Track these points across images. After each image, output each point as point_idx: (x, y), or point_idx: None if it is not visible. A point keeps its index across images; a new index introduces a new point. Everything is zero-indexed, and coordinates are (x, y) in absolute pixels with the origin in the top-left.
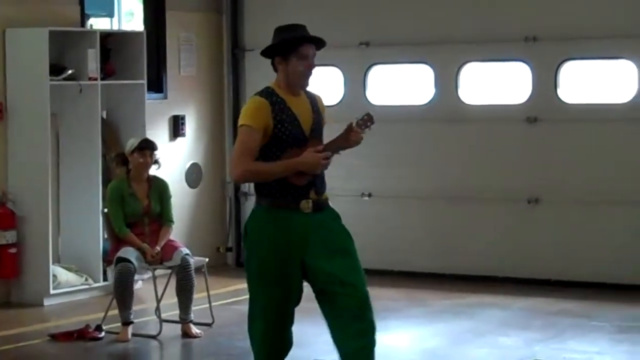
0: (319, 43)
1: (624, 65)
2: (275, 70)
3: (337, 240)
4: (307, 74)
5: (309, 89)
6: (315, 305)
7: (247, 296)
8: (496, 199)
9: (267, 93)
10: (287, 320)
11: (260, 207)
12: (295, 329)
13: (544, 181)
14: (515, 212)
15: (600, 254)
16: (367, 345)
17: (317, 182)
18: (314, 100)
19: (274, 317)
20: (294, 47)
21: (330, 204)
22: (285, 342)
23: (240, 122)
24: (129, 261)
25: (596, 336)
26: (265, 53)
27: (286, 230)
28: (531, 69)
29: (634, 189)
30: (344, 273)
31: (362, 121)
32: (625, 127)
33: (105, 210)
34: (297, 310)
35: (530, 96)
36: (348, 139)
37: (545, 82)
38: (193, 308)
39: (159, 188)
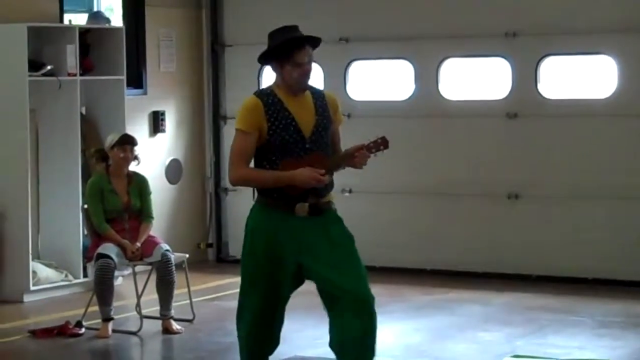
0: (314, 42)
1: (604, 61)
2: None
3: (335, 244)
4: (304, 79)
5: (316, 86)
6: (296, 301)
7: (228, 292)
8: (476, 194)
9: (264, 93)
10: (276, 319)
11: (258, 205)
12: None
13: (524, 176)
14: (496, 208)
15: (580, 249)
16: (367, 335)
17: (318, 187)
18: (319, 99)
19: (262, 314)
20: (288, 53)
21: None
22: (271, 340)
23: (236, 125)
24: (109, 257)
25: (577, 331)
26: (261, 60)
27: (280, 232)
28: (511, 64)
29: (613, 184)
30: (343, 279)
31: (375, 144)
32: (605, 123)
33: (85, 206)
34: None
35: (511, 92)
36: (353, 160)
37: (526, 77)
38: (174, 304)
39: (139, 184)
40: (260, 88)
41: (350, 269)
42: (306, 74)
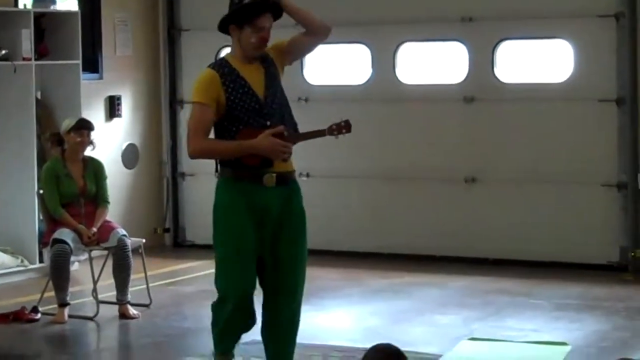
0: (276, 11)
1: (560, 45)
2: (231, 36)
3: (294, 229)
4: (261, 44)
5: None
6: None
7: (185, 277)
8: (433, 178)
9: (218, 64)
10: (250, 283)
11: (224, 180)
12: None
13: (481, 160)
14: (453, 192)
15: (537, 233)
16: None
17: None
18: (269, 64)
19: (236, 275)
20: (250, 17)
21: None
22: (247, 313)
23: (192, 98)
24: (65, 242)
25: (534, 314)
26: (221, 24)
27: (251, 203)
28: (468, 48)
29: (570, 168)
30: (286, 276)
31: (337, 127)
32: (561, 107)
33: (41, 191)
34: None
35: (467, 76)
36: (310, 137)
37: (482, 62)
38: (130, 289)
39: (95, 168)
40: (214, 61)
41: (297, 264)
42: (265, 39)
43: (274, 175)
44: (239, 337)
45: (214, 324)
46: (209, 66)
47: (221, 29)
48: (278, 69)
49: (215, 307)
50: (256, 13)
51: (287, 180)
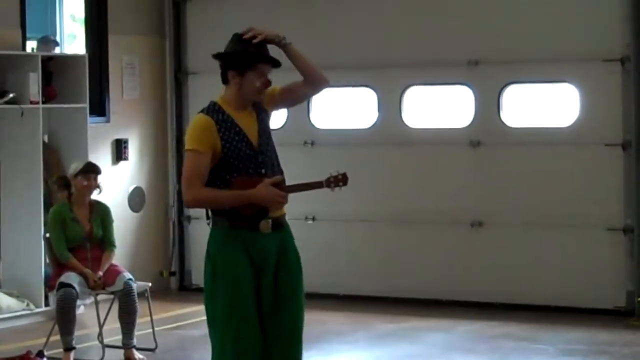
0: (275, 64)
1: (566, 89)
2: (225, 82)
3: (291, 269)
4: (263, 90)
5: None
6: None
7: (190, 321)
8: (440, 222)
9: (212, 110)
10: (258, 345)
11: (218, 230)
12: None
13: (487, 204)
14: (459, 236)
15: (543, 277)
16: None
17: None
18: (257, 106)
19: (246, 345)
20: (253, 62)
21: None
22: None
23: (187, 145)
24: (71, 286)
25: (539, 359)
26: (222, 59)
27: (249, 253)
28: (474, 92)
29: (576, 212)
30: (285, 304)
31: (334, 179)
32: (567, 151)
33: (47, 235)
34: None
35: (473, 120)
36: (307, 189)
37: (488, 105)
38: (136, 333)
39: (101, 212)
40: (206, 107)
41: (293, 305)
42: (269, 83)
43: (270, 221)
44: None
45: None
46: (202, 112)
47: (219, 59)
48: (269, 115)
49: None
50: (259, 59)
51: (281, 225)
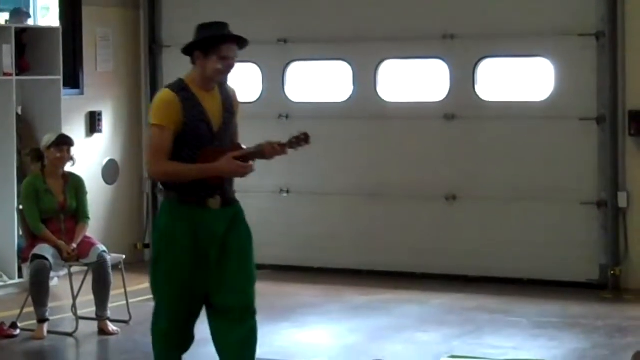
0: (241, 42)
1: (541, 64)
2: (194, 62)
3: (240, 243)
4: (226, 72)
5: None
6: None
7: None
8: (414, 195)
9: (178, 87)
10: (192, 319)
11: (168, 202)
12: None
13: (461, 178)
14: (433, 209)
15: (516, 250)
16: (246, 347)
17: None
18: (227, 97)
19: (178, 316)
20: (216, 45)
21: (247, 199)
22: (187, 339)
23: (152, 120)
24: (45, 258)
25: (513, 332)
26: (186, 49)
27: (196, 227)
28: (449, 66)
29: (550, 186)
30: (232, 281)
31: (296, 140)
32: (542, 125)
33: (20, 207)
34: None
35: (448, 93)
36: (264, 153)
37: (463, 79)
38: (110, 305)
39: (75, 184)
40: (172, 82)
41: (244, 269)
42: (230, 68)
43: (219, 197)
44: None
45: (152, 339)
46: (168, 87)
47: (185, 52)
48: (234, 105)
49: (152, 325)
50: (222, 42)
51: (231, 202)
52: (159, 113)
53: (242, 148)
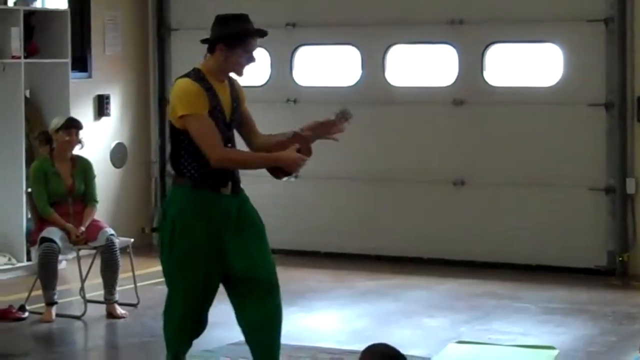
0: (262, 35)
1: (550, 49)
2: (211, 51)
3: (255, 226)
4: (248, 66)
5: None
6: None
7: None
8: (422, 180)
9: (198, 77)
10: (207, 305)
11: (180, 188)
12: (220, 309)
13: (469, 163)
14: (441, 194)
15: (524, 236)
16: (273, 323)
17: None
18: (233, 87)
19: (194, 301)
20: (243, 39)
21: (255, 184)
22: (200, 326)
23: (185, 111)
24: (53, 241)
25: (521, 317)
26: (209, 40)
27: (209, 210)
28: (457, 51)
29: (558, 172)
30: (256, 257)
31: (342, 114)
32: (550, 111)
33: (29, 190)
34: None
35: (457, 79)
36: (330, 133)
37: (472, 64)
38: (118, 288)
39: (83, 167)
40: (190, 73)
41: (263, 249)
42: (252, 61)
43: (230, 183)
44: (190, 342)
45: (165, 325)
46: (191, 78)
47: (207, 42)
48: (241, 98)
49: (165, 312)
50: (249, 36)
51: (239, 189)
52: (191, 102)
53: (302, 137)
